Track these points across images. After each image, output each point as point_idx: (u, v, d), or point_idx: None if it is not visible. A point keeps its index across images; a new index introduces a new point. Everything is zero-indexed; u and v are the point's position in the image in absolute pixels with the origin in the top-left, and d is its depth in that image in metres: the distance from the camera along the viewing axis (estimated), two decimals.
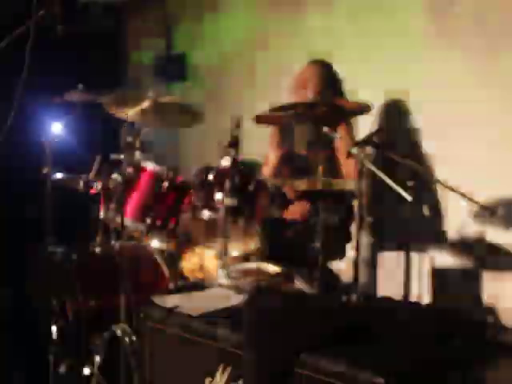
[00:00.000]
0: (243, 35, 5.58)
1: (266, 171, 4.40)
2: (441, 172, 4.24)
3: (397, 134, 4.58)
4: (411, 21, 4.49)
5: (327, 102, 4.01)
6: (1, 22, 4.14)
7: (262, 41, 5.43)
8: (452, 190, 3.48)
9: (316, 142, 3.78)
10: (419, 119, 4.49)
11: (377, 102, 4.40)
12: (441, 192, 4.38)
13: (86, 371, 3.48)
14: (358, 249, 3.40)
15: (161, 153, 5.27)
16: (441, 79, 4.30)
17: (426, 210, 4.40)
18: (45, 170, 4.02)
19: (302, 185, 3.72)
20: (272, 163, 4.42)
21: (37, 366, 3.85)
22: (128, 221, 3.61)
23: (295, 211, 4.06)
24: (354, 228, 3.93)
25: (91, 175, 3.89)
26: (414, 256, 3.55)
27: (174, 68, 5.96)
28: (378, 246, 4.51)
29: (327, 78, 4.22)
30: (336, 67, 4.27)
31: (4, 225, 4.15)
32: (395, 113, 4.59)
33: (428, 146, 4.45)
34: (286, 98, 4.29)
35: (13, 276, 4.04)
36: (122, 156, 3.53)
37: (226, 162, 3.47)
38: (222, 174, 3.48)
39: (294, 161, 4.31)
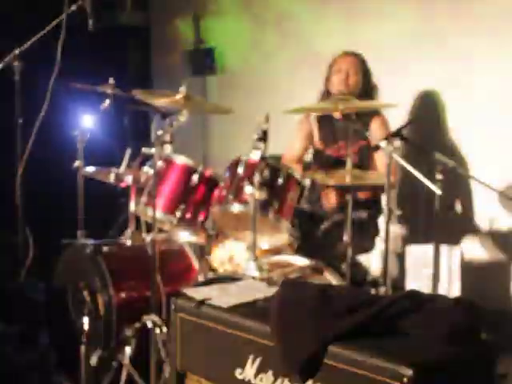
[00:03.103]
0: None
1: (288, 157, 4.41)
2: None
3: (428, 126, 4.58)
4: None
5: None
6: (34, 17, 4.20)
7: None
8: (483, 183, 3.48)
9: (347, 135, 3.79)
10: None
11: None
12: (472, 185, 4.38)
13: (117, 362, 3.52)
14: (386, 242, 3.41)
15: (188, 145, 5.32)
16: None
17: (455, 203, 4.39)
18: (76, 163, 4.05)
19: (331, 179, 3.73)
20: (296, 153, 4.44)
21: (69, 358, 3.90)
22: (158, 214, 3.64)
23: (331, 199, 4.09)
24: (382, 221, 3.94)
25: (122, 168, 3.92)
26: (444, 248, 3.55)
27: (203, 61, 5.98)
28: (407, 238, 4.51)
29: (362, 68, 4.25)
30: None
31: (37, 218, 4.21)
32: (428, 106, 4.59)
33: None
34: (321, 85, 4.32)
35: (45, 269, 4.09)
36: (153, 149, 3.55)
37: (255, 155, 3.49)
38: (251, 167, 3.50)
39: (322, 158, 4.33)
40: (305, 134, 4.44)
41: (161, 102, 3.75)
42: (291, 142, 4.47)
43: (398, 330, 2.36)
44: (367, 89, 4.25)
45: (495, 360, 2.42)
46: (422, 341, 2.30)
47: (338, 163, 3.97)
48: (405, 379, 2.09)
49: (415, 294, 2.48)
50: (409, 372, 2.09)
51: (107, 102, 3.92)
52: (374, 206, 4.18)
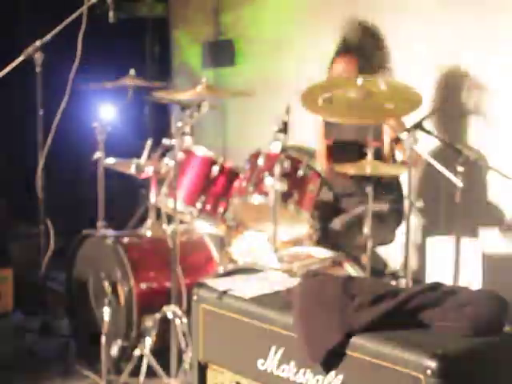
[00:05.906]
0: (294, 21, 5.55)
1: (320, 163, 4.39)
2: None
3: (451, 117, 4.53)
4: None
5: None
6: (55, 9, 4.22)
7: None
8: (505, 176, 3.46)
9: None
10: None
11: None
12: (493, 177, 4.34)
13: (137, 353, 3.53)
14: (407, 233, 3.40)
15: (208, 136, 5.33)
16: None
17: (476, 195, 4.36)
18: (97, 155, 4.07)
19: (351, 169, 3.72)
20: (322, 153, 4.42)
21: (89, 348, 3.92)
22: (179, 205, 3.65)
23: None
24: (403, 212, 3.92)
25: (143, 160, 3.93)
26: (465, 241, 3.52)
27: (222, 54, 5.97)
28: (428, 230, 4.49)
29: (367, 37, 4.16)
30: None
31: (58, 209, 4.23)
32: (451, 95, 4.54)
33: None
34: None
35: (66, 260, 4.12)
36: (173, 141, 3.56)
37: (275, 147, 3.49)
38: (271, 159, 3.50)
39: (342, 148, 4.31)
40: (322, 133, 4.42)
41: (181, 94, 3.77)
42: (317, 142, 4.45)
43: (421, 321, 2.35)
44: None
45: None
46: (445, 333, 2.30)
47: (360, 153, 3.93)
48: (428, 371, 2.08)
49: (439, 286, 2.48)
50: (432, 364, 2.09)
51: (128, 93, 3.94)
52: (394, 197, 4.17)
